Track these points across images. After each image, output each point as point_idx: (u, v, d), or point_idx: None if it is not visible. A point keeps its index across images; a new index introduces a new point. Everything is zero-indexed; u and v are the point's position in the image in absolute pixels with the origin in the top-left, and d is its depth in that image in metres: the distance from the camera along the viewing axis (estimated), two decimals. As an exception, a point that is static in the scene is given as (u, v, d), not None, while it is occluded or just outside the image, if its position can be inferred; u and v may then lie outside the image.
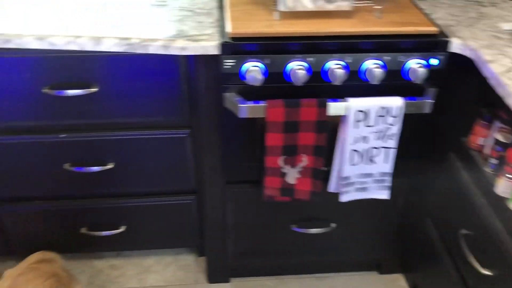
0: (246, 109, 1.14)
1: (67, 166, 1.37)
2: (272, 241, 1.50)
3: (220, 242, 1.50)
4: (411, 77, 1.15)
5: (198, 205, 1.52)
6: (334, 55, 1.14)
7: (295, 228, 1.46)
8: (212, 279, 1.60)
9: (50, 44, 1.11)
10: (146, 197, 1.49)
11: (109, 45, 1.12)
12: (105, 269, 1.64)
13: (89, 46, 1.12)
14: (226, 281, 1.60)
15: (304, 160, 1.22)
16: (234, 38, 1.12)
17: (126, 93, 1.26)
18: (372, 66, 1.13)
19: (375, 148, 1.22)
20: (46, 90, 1.22)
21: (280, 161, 1.22)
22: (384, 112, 1.16)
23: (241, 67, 1.13)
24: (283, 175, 1.25)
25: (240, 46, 1.12)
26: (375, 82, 1.14)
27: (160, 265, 1.66)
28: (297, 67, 1.12)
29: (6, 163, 1.36)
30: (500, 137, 1.04)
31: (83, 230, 1.52)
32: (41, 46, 1.11)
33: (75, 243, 1.56)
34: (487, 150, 1.10)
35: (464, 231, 1.16)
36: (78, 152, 1.36)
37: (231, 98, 1.15)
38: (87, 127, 1.32)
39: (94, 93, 1.25)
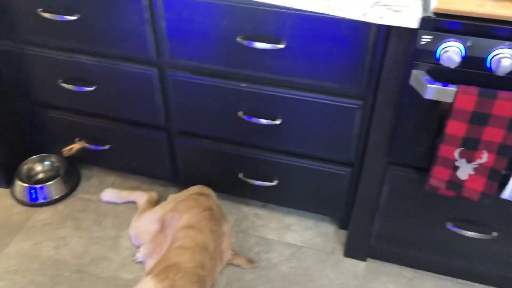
0: (434, 90, 1.07)
1: (240, 113, 1.46)
2: (421, 233, 1.43)
3: (366, 221, 1.48)
4: None
5: (352, 178, 1.51)
6: (551, 48, 1.00)
7: (450, 226, 1.37)
8: (348, 253, 1.60)
9: (254, -4, 1.17)
10: (303, 158, 1.52)
11: (309, 3, 1.13)
12: (250, 216, 1.75)
13: (287, 2, 1.15)
14: (363, 259, 1.58)
15: (484, 157, 1.12)
16: (437, 14, 1.05)
17: (310, 54, 1.28)
18: None
19: None
20: (239, 40, 1.30)
21: (456, 152, 1.14)
22: None
23: (438, 46, 1.06)
24: (455, 168, 1.17)
25: (442, 23, 1.05)
26: None
27: (300, 226, 1.71)
28: (502, 55, 1.01)
29: (189, 100, 1.49)
30: None
31: (240, 175, 1.63)
32: (246, -4, 1.18)
33: (230, 185, 1.68)
34: None
35: None
36: (253, 102, 1.43)
37: (419, 76, 1.10)
38: (266, 80, 1.38)
39: (281, 49, 1.29)
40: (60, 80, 1.59)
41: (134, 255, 1.58)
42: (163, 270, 1.33)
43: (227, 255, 1.53)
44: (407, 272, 1.55)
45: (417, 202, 1.36)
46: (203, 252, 1.40)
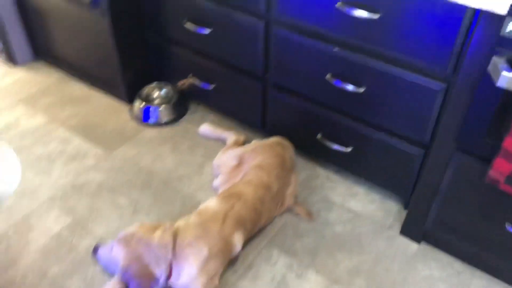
0: (507, 79, 1.07)
1: (329, 76, 1.56)
2: (478, 228, 1.42)
3: (425, 204, 1.50)
4: None
5: (423, 160, 1.53)
6: None
7: (510, 227, 1.34)
8: (404, 232, 1.63)
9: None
10: (380, 130, 1.58)
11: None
12: (321, 177, 1.86)
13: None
14: (417, 241, 1.61)
15: (549, 158, 1.10)
16: (530, 4, 1.04)
17: (404, 28, 1.33)
18: None
19: None
20: (339, 5, 1.39)
21: (521, 147, 1.12)
22: None
23: (522, 35, 1.05)
24: (517, 163, 1.15)
25: (533, 13, 1.04)
26: None
27: (366, 198, 1.78)
28: None
29: (286, 56, 1.63)
30: None
31: (319, 136, 1.74)
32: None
33: (309, 144, 1.81)
34: None
35: None
36: (342, 68, 1.52)
37: (497, 63, 1.10)
38: (357, 48, 1.46)
39: (375, 19, 1.36)
40: (185, 20, 1.83)
41: (212, 181, 1.80)
42: (228, 195, 1.52)
43: (289, 201, 1.67)
44: (458, 264, 1.55)
45: (478, 195, 1.36)
46: (265, 190, 1.56)
